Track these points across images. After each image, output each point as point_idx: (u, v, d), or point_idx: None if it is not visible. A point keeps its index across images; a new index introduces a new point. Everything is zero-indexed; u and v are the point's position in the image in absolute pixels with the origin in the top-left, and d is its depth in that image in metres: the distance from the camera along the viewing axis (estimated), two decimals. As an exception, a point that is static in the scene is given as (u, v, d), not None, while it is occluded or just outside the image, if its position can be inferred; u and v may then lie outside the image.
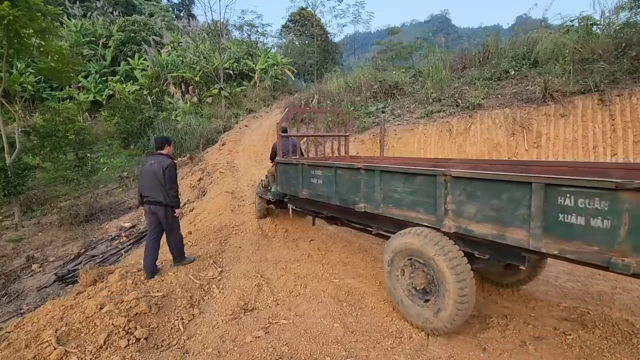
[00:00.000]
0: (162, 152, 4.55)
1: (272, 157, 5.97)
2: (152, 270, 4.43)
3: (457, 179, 2.77)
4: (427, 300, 3.06)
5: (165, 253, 5.29)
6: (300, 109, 6.62)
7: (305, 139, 7.51)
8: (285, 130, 5.57)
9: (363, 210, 3.65)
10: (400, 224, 3.38)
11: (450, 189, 2.81)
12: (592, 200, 2.06)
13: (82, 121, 16.26)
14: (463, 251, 2.89)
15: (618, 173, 3.09)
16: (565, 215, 2.19)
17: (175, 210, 4.52)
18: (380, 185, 3.44)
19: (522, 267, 2.74)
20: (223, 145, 12.63)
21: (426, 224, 3.03)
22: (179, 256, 4.78)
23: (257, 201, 6.37)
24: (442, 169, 2.88)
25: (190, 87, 18.64)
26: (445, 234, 2.90)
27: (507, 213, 2.47)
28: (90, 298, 3.85)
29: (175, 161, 4.68)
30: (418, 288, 3.12)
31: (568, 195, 2.16)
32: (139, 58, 19.63)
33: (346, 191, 3.92)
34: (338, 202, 4.06)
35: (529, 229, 2.34)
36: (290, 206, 5.34)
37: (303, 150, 6.73)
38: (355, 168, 3.72)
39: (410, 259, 3.15)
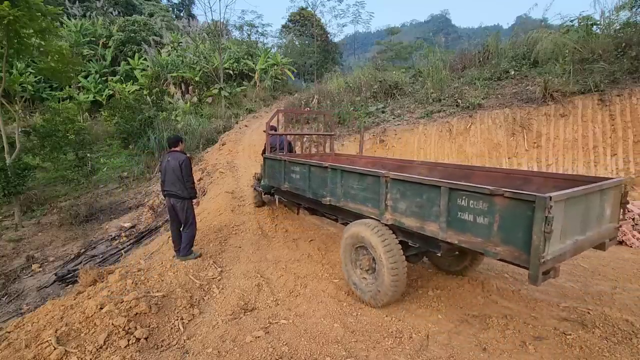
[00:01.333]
0: (176, 149, 4.93)
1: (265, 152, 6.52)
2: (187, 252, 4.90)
3: (394, 180, 3.32)
4: (370, 279, 3.64)
5: (167, 252, 5.29)
6: (287, 110, 7.43)
7: (300, 136, 7.97)
8: (275, 129, 6.33)
9: (329, 203, 4.21)
10: (356, 216, 3.91)
11: (389, 189, 3.38)
12: (478, 202, 2.61)
13: (82, 121, 16.23)
14: (400, 240, 3.41)
15: (538, 180, 3.61)
16: (462, 213, 2.75)
17: (193, 200, 4.95)
18: (341, 182, 4.03)
19: (438, 254, 3.26)
20: (223, 145, 12.62)
21: (372, 217, 3.60)
22: (186, 249, 4.90)
23: (253, 193, 6.90)
24: (384, 172, 3.43)
25: (190, 87, 18.63)
26: (385, 225, 3.45)
27: (426, 210, 3.04)
28: (90, 298, 3.85)
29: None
30: (364, 268, 3.69)
31: (464, 198, 2.72)
32: (139, 58, 19.61)
33: (316, 186, 4.51)
34: (310, 195, 4.64)
35: (439, 223, 2.90)
36: (276, 197, 5.95)
37: (294, 147, 7.25)
38: (323, 166, 4.29)
39: (359, 245, 3.70)
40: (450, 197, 2.81)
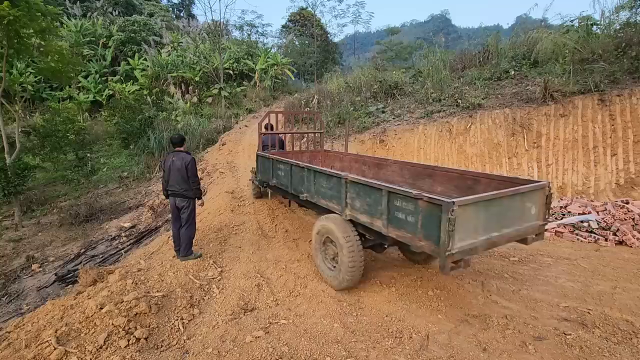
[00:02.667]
0: (180, 149, 4.97)
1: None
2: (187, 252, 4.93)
3: (352, 182, 3.76)
4: (334, 266, 4.04)
5: (167, 252, 5.29)
6: (278, 111, 7.99)
7: (296, 134, 8.60)
8: (271, 128, 7.15)
9: (305, 198, 4.71)
10: (327, 211, 4.33)
11: (348, 189, 3.83)
12: (407, 204, 3.06)
13: (82, 121, 16.22)
14: (359, 233, 3.81)
15: (485, 181, 4.00)
16: (397, 212, 3.19)
17: (198, 200, 4.99)
18: (314, 181, 4.53)
19: (385, 245, 3.83)
20: (223, 145, 12.62)
21: (337, 212, 4.07)
22: (186, 249, 4.90)
23: (251, 185, 7.48)
24: (344, 174, 3.90)
25: (190, 87, 18.61)
26: (346, 220, 3.89)
27: (374, 208, 3.45)
28: (90, 298, 3.85)
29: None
30: (330, 257, 4.14)
31: (398, 199, 3.16)
32: (139, 58, 19.59)
33: (296, 183, 5.03)
34: (292, 190, 5.16)
35: (382, 220, 3.33)
36: (269, 190, 6.46)
37: (285, 145, 7.80)
38: (301, 166, 4.81)
39: (326, 237, 4.12)
40: (389, 198, 3.25)
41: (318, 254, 4.34)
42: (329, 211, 4.26)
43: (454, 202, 2.67)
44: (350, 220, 3.87)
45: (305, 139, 9.81)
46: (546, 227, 3.91)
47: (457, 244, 2.75)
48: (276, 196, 6.75)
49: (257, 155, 6.50)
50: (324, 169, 4.45)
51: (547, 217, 3.47)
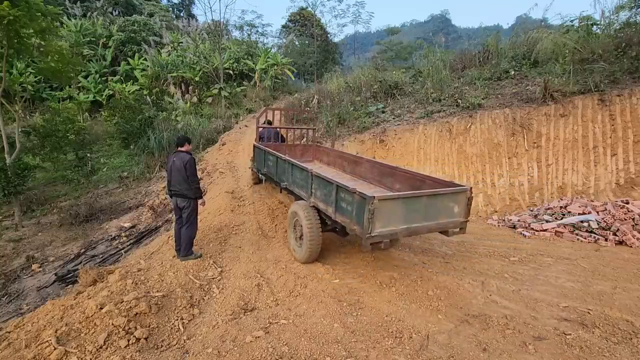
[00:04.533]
0: (181, 149, 4.98)
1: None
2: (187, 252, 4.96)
3: (315, 175, 4.51)
4: (300, 244, 4.72)
5: (167, 252, 5.29)
6: (274, 108, 8.90)
7: (293, 129, 9.44)
8: (269, 123, 8.21)
9: (285, 187, 5.53)
10: (300, 198, 5.00)
11: (313, 181, 4.59)
12: (348, 196, 3.83)
13: (82, 121, 16.20)
14: (321, 218, 4.48)
15: (430, 183, 4.60)
16: (342, 202, 3.96)
17: (198, 200, 5.00)
18: (291, 172, 5.29)
19: (337, 229, 4.43)
20: (223, 145, 12.61)
21: (305, 199, 4.79)
22: (186, 249, 4.90)
23: (251, 173, 8.12)
24: (309, 167, 4.72)
25: (190, 87, 18.59)
26: (311, 206, 4.57)
27: (328, 198, 4.22)
28: (90, 298, 3.85)
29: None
30: (298, 236, 4.80)
31: (343, 192, 3.94)
32: (139, 58, 19.58)
33: (280, 173, 5.81)
34: (277, 179, 5.95)
35: (333, 208, 4.10)
36: (263, 178, 7.18)
37: (286, 138, 8.51)
38: (282, 158, 5.57)
39: (296, 219, 4.78)
40: (337, 191, 4.02)
41: (290, 233, 5.05)
42: (301, 198, 4.95)
43: (374, 197, 3.43)
44: (314, 207, 4.56)
45: (305, 134, 10.14)
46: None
47: (376, 230, 3.52)
48: (270, 184, 7.37)
49: (254, 146, 7.35)
50: (297, 162, 5.14)
51: (468, 215, 4.14)
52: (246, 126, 14.72)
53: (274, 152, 6.13)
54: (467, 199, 4.05)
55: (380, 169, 5.73)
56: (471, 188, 4.11)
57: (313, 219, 4.41)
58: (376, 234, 3.52)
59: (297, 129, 9.22)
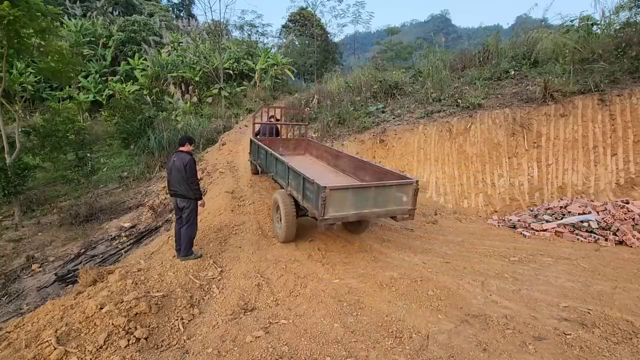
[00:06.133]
0: (182, 149, 4.96)
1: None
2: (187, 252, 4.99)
3: (289, 168, 5.19)
4: (279, 226, 5.40)
5: (167, 252, 5.29)
6: (270, 106, 10.08)
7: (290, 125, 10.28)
8: (276, 119, 9.29)
9: (272, 177, 6.43)
10: (281, 187, 5.74)
11: (289, 172, 5.25)
12: (311, 186, 4.47)
13: (82, 121, 16.18)
14: (296, 204, 5.08)
15: (390, 177, 5.11)
16: (307, 191, 4.63)
17: (198, 202, 4.99)
18: (275, 164, 6.06)
19: (307, 215, 4.90)
20: (223, 145, 12.61)
21: (284, 188, 5.52)
22: (186, 249, 4.89)
23: (250, 164, 8.82)
24: (287, 160, 5.48)
25: (190, 87, 18.59)
26: (288, 194, 5.24)
27: (299, 187, 4.86)
28: (90, 298, 3.85)
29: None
30: (278, 219, 5.47)
31: (308, 183, 4.55)
32: (139, 58, 19.57)
33: (268, 164, 6.65)
34: (266, 169, 6.90)
35: (301, 195, 4.78)
36: (259, 168, 7.79)
37: (280, 133, 9.39)
38: (269, 152, 6.40)
39: (277, 205, 5.41)
40: (304, 181, 4.66)
41: (273, 217, 5.81)
42: (282, 187, 5.67)
43: (326, 187, 4.11)
44: (290, 195, 5.20)
45: (299, 129, 11.02)
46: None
47: (329, 213, 4.23)
48: (266, 174, 7.86)
49: (250, 140, 8.16)
50: (278, 156, 5.91)
51: (415, 204, 4.72)
52: (246, 126, 14.71)
53: (264, 146, 6.92)
54: (414, 190, 4.61)
55: (355, 162, 6.36)
56: (417, 181, 4.67)
57: (289, 205, 5.13)
58: (329, 217, 4.22)
59: (291, 124, 10.00)
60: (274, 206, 5.69)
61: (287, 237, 5.30)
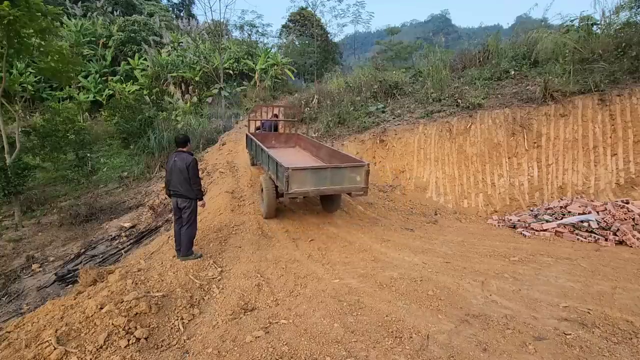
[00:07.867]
0: (183, 149, 4.96)
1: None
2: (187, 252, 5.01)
3: (269, 155, 6.10)
4: (263, 203, 6.39)
5: (167, 252, 5.29)
6: (265, 105, 11.32)
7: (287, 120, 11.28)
8: (276, 116, 10.63)
9: (260, 165, 7.56)
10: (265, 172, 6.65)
11: (269, 160, 6.11)
12: (281, 169, 5.36)
13: (82, 121, 16.18)
14: (276, 186, 5.96)
15: (350, 162, 6.03)
16: (278, 173, 5.54)
17: (199, 202, 5.02)
18: (261, 155, 6.93)
19: (284, 195, 5.49)
20: (223, 145, 12.61)
21: (266, 173, 6.45)
22: (186, 249, 4.89)
23: (248, 156, 9.73)
24: (267, 149, 6.63)
25: (190, 87, 18.59)
26: (269, 178, 6.15)
27: (274, 170, 5.78)
28: (90, 298, 3.85)
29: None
30: (262, 198, 6.48)
31: (280, 167, 5.41)
32: (139, 58, 19.57)
33: (257, 154, 7.47)
34: (256, 158, 7.90)
35: (276, 178, 5.75)
36: (255, 159, 8.49)
37: (279, 128, 10.78)
38: (257, 144, 7.31)
39: (262, 187, 6.38)
40: (277, 165, 5.56)
41: (258, 196, 6.96)
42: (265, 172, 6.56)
43: (288, 168, 5.11)
44: (270, 177, 6.08)
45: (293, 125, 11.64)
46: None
47: (292, 189, 5.19)
48: (257, 165, 8.61)
49: (246, 135, 9.07)
50: (263, 146, 6.82)
51: (367, 183, 5.59)
52: (246, 126, 14.66)
53: (253, 138, 7.97)
54: (366, 172, 5.52)
55: (330, 152, 7.35)
56: (369, 164, 5.62)
57: (270, 186, 6.09)
58: (292, 192, 5.19)
59: (283, 121, 11.19)
60: (259, 188, 6.75)
61: (269, 214, 6.31)
